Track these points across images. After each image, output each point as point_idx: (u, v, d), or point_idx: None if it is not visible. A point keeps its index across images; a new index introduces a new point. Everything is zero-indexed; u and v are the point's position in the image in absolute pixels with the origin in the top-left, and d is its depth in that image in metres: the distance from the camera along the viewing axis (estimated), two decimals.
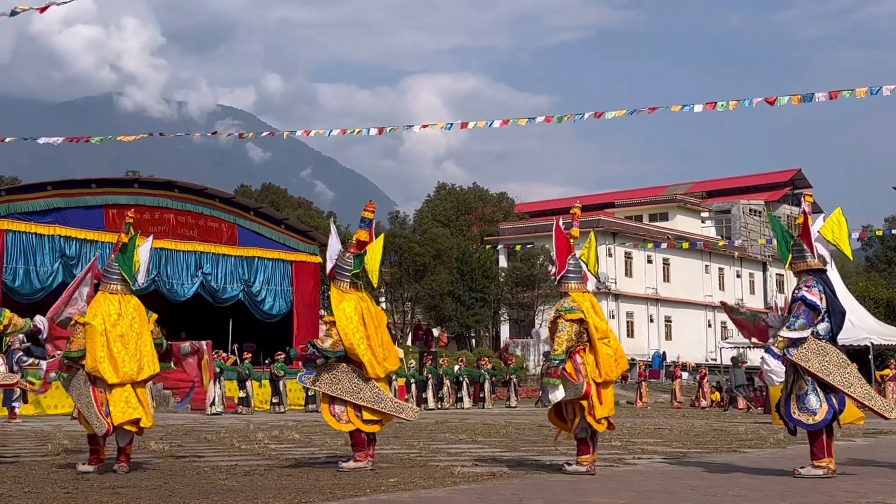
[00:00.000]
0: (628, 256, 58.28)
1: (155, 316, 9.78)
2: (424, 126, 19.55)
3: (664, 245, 50.66)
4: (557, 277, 9.60)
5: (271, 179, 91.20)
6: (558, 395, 9.04)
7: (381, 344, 9.55)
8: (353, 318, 9.40)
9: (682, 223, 66.70)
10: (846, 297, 38.25)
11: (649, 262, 59.89)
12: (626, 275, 58.91)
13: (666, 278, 61.08)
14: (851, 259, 9.76)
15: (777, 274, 69.34)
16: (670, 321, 60.50)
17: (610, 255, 55.85)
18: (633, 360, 54.19)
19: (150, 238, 10.19)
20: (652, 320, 59.39)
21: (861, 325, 36.45)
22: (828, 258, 9.32)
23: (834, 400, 8.70)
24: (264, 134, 22.85)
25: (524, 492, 7.56)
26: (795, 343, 8.78)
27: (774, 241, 9.65)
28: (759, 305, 60.87)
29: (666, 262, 61.13)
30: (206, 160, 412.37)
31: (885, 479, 8.58)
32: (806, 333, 8.79)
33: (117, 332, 9.27)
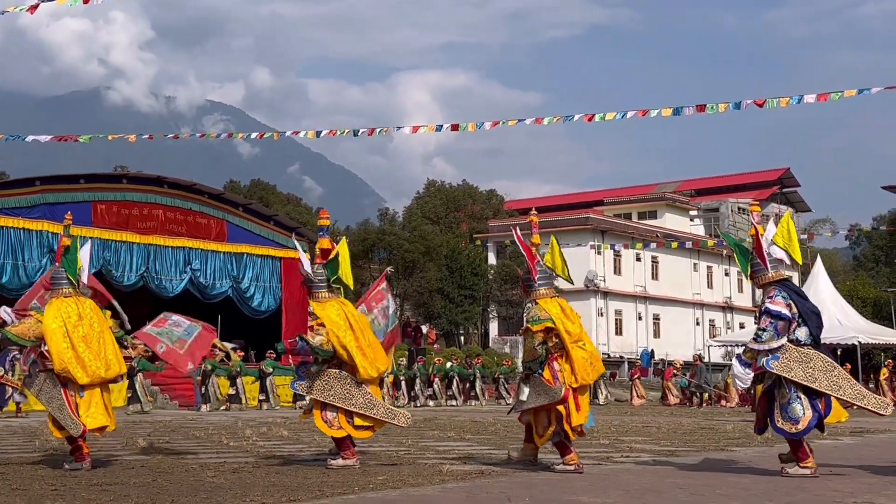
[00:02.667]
0: (617, 254, 58.33)
1: (109, 313, 9.86)
2: (416, 129, 19.52)
3: (653, 245, 50.78)
4: (528, 285, 9.60)
5: (260, 175, 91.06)
6: (524, 394, 9.17)
7: (370, 345, 9.57)
8: (341, 324, 9.43)
9: (671, 221, 66.81)
10: (834, 296, 38.44)
11: (638, 260, 59.95)
12: (614, 273, 58.96)
13: (654, 276, 61.18)
14: (800, 263, 9.80)
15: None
16: (659, 319, 60.62)
17: (598, 254, 55.91)
18: (621, 357, 54.46)
19: (90, 241, 10.55)
20: (640, 318, 59.48)
21: (849, 324, 36.61)
22: (787, 261, 9.37)
23: (820, 405, 8.72)
24: (254, 135, 22.77)
25: (512, 490, 7.57)
26: (774, 355, 8.76)
27: (735, 258, 9.73)
28: (748, 303, 61.06)
29: (654, 261, 61.22)
30: (194, 155, 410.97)
31: (872, 478, 8.62)
32: (774, 344, 8.77)
33: (80, 333, 9.28)
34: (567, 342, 9.14)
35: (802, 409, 8.67)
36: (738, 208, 72.01)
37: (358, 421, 9.34)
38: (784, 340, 8.79)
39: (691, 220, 70.40)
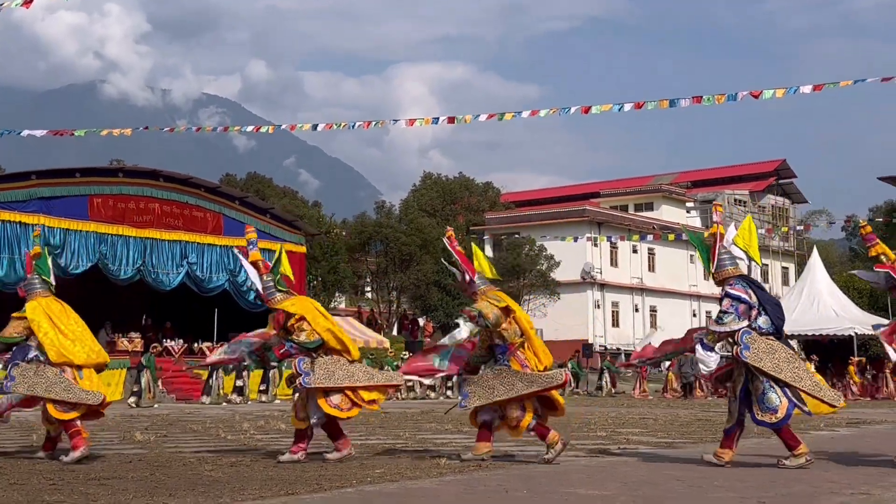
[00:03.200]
0: (613, 246, 58.41)
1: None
2: (412, 122, 19.47)
3: (650, 237, 50.80)
4: (469, 285, 9.76)
5: (256, 168, 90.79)
6: (462, 331, 9.58)
7: (342, 331, 9.75)
8: (317, 312, 9.57)
9: (668, 213, 66.86)
10: (830, 287, 38.51)
11: (634, 251, 60.02)
12: (611, 265, 59.05)
13: (651, 268, 61.26)
14: (759, 264, 9.92)
15: (762, 264, 69.65)
16: (655, 311, 60.70)
17: (595, 246, 55.97)
18: (618, 349, 54.53)
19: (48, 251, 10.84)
20: (637, 310, 59.57)
21: (845, 315, 36.69)
22: (745, 261, 9.50)
23: (790, 392, 8.77)
24: (250, 129, 22.70)
25: (510, 482, 7.58)
26: (745, 345, 8.81)
27: (697, 253, 9.82)
28: None
29: (651, 252, 61.30)
30: (190, 148, 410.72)
31: (868, 469, 8.63)
32: (736, 327, 8.86)
33: (64, 322, 9.66)
34: (526, 328, 9.34)
35: (778, 398, 8.74)
36: (735, 200, 72.05)
37: (364, 395, 9.36)
38: (745, 324, 8.86)
39: (688, 211, 70.45)
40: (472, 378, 9.52)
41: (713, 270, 9.33)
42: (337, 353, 9.47)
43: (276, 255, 10.13)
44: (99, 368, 9.84)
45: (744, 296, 8.94)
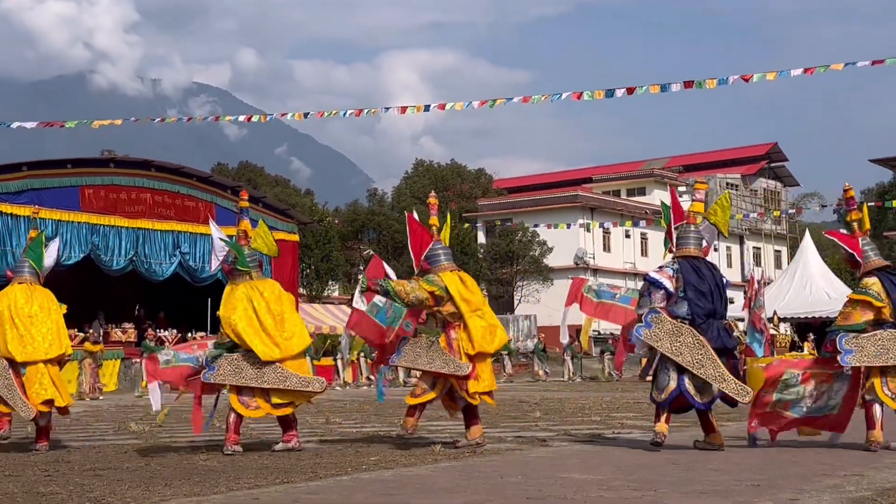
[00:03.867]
0: (606, 231, 58.43)
1: (65, 307, 10.17)
2: (403, 109, 19.44)
3: (642, 222, 50.85)
4: (431, 261, 9.81)
5: (247, 156, 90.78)
6: (357, 300, 9.82)
7: (281, 326, 9.33)
8: (238, 307, 9.28)
9: (660, 198, 66.78)
10: (823, 270, 38.60)
11: (627, 236, 60.11)
12: (604, 250, 59.12)
13: (644, 253, 61.31)
14: (727, 236, 9.96)
15: (754, 247, 69.81)
16: None
17: (588, 231, 56.00)
18: (611, 334, 54.56)
19: (58, 241, 11.39)
20: None
21: (837, 298, 36.69)
22: (711, 236, 9.58)
23: (687, 380, 8.79)
24: (241, 118, 22.64)
25: (505, 468, 7.60)
26: (646, 322, 8.92)
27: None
28: (737, 279, 61.22)
29: (644, 237, 61.35)
30: (181, 138, 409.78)
31: (861, 451, 8.67)
32: (640, 312, 9.04)
33: (26, 312, 9.72)
34: (465, 311, 9.36)
35: (668, 380, 8.82)
36: (727, 183, 72.08)
37: (275, 398, 9.20)
38: (646, 309, 8.97)
39: (680, 196, 70.41)
40: (412, 339, 9.73)
41: (668, 248, 9.54)
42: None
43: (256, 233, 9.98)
44: (59, 363, 9.92)
45: (664, 281, 8.98)
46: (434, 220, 10.13)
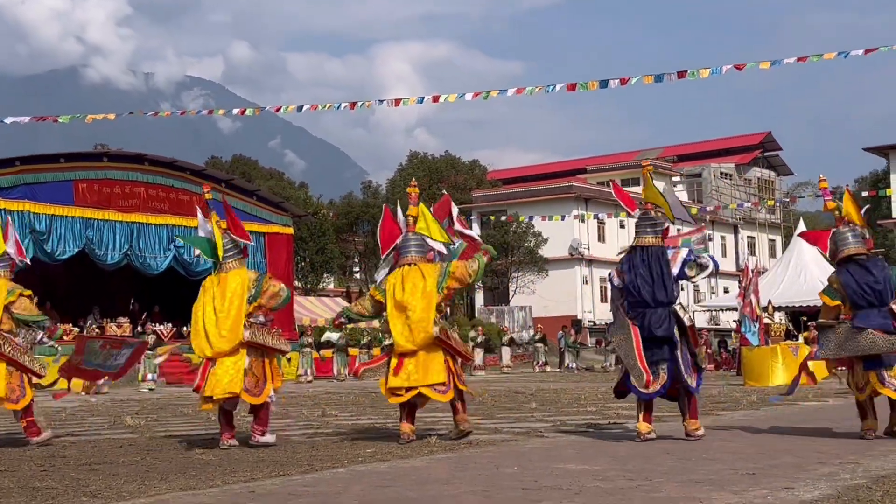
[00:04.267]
0: (601, 222, 58.42)
1: (28, 292, 10.03)
2: (397, 102, 19.39)
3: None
4: (384, 257, 10.14)
5: (241, 150, 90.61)
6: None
7: (218, 321, 9.17)
8: (198, 301, 9.47)
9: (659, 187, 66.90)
10: (817, 258, 38.56)
11: (622, 227, 60.01)
12: (598, 240, 59.11)
13: None
14: (673, 221, 10.01)
15: (748, 236, 69.82)
16: None
17: (582, 222, 56.00)
18: (606, 324, 54.64)
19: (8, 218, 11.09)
20: None
21: None
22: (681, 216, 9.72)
23: (659, 370, 8.86)
24: (235, 111, 22.60)
25: (500, 459, 7.61)
26: (612, 322, 9.30)
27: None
28: (732, 268, 61.28)
29: None
30: (174, 131, 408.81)
31: (856, 439, 8.69)
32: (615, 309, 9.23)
33: None
34: (389, 312, 9.38)
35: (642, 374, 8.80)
36: (721, 173, 72.13)
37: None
38: (615, 308, 9.19)
39: (674, 185, 70.48)
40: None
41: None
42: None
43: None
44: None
45: (615, 279, 9.19)
46: (413, 209, 10.04)
